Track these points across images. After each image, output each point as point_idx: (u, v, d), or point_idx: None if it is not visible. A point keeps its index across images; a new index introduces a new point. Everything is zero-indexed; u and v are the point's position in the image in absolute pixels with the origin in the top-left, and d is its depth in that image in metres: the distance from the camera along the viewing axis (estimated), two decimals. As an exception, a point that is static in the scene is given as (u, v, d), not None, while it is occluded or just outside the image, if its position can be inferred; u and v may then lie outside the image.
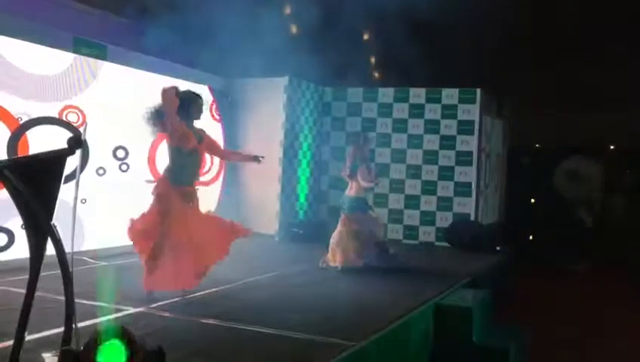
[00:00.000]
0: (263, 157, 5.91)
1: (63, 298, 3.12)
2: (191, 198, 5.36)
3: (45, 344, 3.70)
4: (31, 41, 6.47)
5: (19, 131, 6.34)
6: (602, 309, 8.33)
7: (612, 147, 16.30)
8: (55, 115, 6.77)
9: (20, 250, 5.75)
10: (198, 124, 5.54)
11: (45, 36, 6.65)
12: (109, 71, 7.45)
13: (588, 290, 9.63)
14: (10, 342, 2.96)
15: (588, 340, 6.89)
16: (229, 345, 4.06)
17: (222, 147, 5.89)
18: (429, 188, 10.14)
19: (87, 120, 6.96)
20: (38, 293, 3.02)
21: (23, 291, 3.01)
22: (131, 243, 5.31)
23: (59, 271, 3.06)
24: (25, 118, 6.42)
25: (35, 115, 6.52)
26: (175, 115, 5.14)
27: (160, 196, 5.24)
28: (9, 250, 6.23)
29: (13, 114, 6.32)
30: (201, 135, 5.47)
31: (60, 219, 3.03)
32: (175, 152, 5.29)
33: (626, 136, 14.30)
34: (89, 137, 6.43)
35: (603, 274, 11.13)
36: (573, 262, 11.74)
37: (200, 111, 5.46)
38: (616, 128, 13.82)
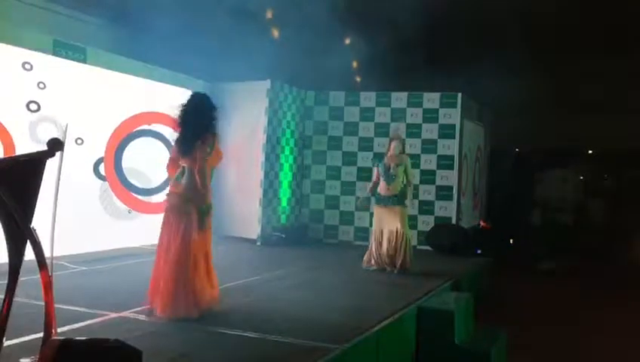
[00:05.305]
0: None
1: (42, 303, 3.08)
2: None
3: (24, 349, 3.63)
4: (11, 44, 6.39)
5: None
6: (582, 310, 8.41)
7: (590, 151, 16.50)
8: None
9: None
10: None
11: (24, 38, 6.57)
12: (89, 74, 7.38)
13: (567, 291, 9.71)
14: (-12, 348, 2.92)
15: (569, 341, 6.95)
16: (211, 350, 4.03)
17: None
18: (410, 191, 10.13)
19: (67, 122, 6.87)
20: (16, 298, 2.98)
21: (1, 296, 2.96)
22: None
23: (38, 276, 3.03)
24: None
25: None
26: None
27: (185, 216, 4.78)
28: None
29: None
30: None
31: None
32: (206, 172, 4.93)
33: (604, 140, 14.47)
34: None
35: (582, 275, 11.26)
36: (552, 263, 11.85)
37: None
38: (595, 132, 13.98)
